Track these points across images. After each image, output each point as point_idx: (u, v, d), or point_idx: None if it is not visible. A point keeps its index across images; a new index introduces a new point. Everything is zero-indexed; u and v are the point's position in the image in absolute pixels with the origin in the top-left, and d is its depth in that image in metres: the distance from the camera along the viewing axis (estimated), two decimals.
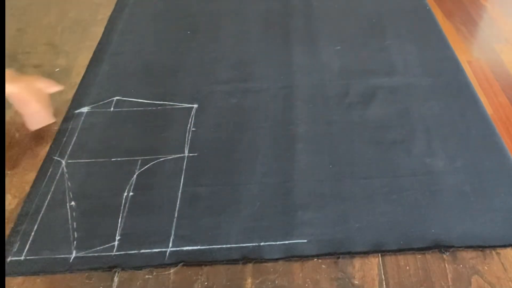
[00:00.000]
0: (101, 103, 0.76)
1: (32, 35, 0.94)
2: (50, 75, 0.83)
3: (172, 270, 0.54)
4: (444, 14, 2.03)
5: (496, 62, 1.82)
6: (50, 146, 0.69)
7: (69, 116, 0.74)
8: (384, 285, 0.54)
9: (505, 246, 0.57)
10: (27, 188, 0.64)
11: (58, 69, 0.85)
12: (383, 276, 0.54)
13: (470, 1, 2.11)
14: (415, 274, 0.54)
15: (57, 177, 0.65)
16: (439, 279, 0.54)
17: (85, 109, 0.75)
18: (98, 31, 0.94)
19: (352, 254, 0.56)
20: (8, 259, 0.56)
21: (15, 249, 0.57)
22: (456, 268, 0.55)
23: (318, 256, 0.56)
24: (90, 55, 0.87)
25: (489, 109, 1.62)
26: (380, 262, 0.56)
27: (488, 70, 1.76)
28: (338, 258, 0.56)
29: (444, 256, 0.56)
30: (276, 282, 0.54)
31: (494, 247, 0.56)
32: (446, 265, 0.55)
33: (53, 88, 0.73)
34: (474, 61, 1.81)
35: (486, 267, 0.55)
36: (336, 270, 0.55)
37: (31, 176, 0.65)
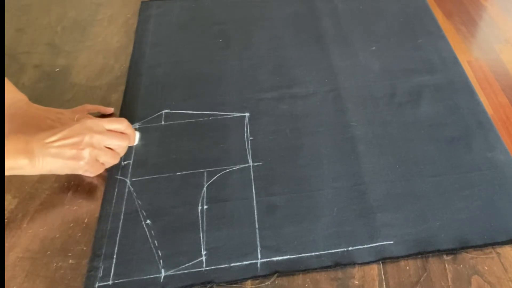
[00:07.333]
0: (150, 118, 0.75)
1: (32, 35, 0.93)
2: (50, 75, 0.83)
3: (269, 282, 0.54)
4: (444, 14, 2.06)
5: (496, 62, 1.85)
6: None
7: None
8: (384, 285, 0.54)
9: None
10: (27, 188, 0.64)
11: (58, 69, 0.84)
12: (383, 276, 0.55)
13: (470, 1, 2.14)
14: (415, 274, 0.55)
15: (125, 197, 0.64)
16: (439, 279, 0.54)
17: (136, 125, 0.74)
18: (98, 31, 0.93)
19: (441, 252, 0.57)
20: (96, 285, 0.54)
21: (101, 274, 0.55)
22: (456, 268, 0.55)
23: (408, 256, 0.56)
24: (90, 55, 0.87)
25: (489, 109, 1.64)
26: (380, 262, 0.56)
27: (488, 70, 1.79)
28: (427, 258, 0.56)
29: (444, 256, 0.56)
30: (276, 282, 0.54)
31: None
32: (446, 265, 0.56)
33: (106, 110, 0.75)
34: (474, 61, 1.85)
35: (486, 267, 0.55)
36: (336, 270, 0.55)
37: (97, 195, 0.64)
